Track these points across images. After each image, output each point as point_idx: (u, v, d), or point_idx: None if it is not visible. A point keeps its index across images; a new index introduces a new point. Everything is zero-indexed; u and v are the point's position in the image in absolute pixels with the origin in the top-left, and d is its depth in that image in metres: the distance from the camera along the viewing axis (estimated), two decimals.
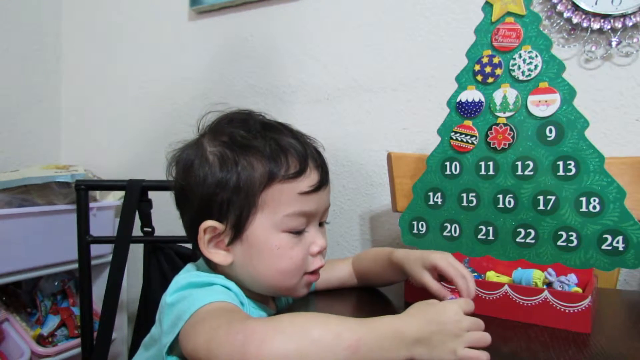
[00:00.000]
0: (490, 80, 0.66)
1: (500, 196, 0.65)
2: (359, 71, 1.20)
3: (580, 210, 0.59)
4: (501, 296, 0.60)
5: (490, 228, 0.66)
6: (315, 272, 0.60)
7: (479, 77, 0.67)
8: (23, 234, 1.17)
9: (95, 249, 0.95)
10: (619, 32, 0.94)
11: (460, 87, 0.69)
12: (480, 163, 0.67)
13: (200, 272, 0.57)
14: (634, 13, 0.92)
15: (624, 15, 0.93)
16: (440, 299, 0.55)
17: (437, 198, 0.70)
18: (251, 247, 0.55)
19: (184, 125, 1.43)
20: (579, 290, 0.60)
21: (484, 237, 0.67)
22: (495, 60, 0.65)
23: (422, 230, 0.72)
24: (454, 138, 0.69)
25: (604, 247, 0.58)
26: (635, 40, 0.93)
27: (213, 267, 0.59)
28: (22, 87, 1.54)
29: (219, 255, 0.56)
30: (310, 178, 0.56)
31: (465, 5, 1.08)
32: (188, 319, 0.45)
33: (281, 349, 0.37)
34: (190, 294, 0.49)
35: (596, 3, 0.94)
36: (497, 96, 0.65)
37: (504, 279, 0.66)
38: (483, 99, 0.67)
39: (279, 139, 0.56)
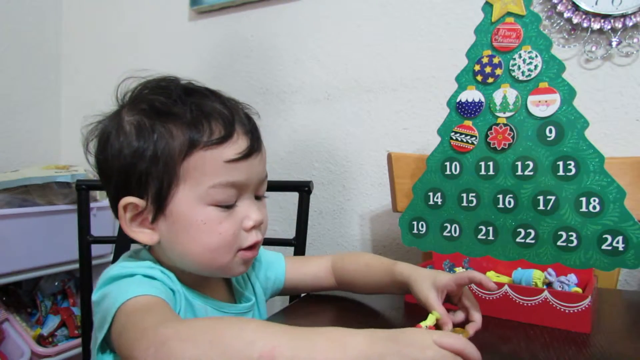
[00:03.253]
0: (490, 80, 0.66)
1: (500, 196, 0.65)
2: (359, 71, 1.20)
3: (580, 210, 0.59)
4: (501, 296, 0.60)
5: (490, 228, 0.66)
6: (251, 248, 0.54)
7: (479, 77, 0.67)
8: (23, 234, 1.17)
9: (95, 249, 0.95)
10: (619, 32, 0.94)
11: (460, 87, 0.69)
12: (480, 163, 0.67)
13: (126, 261, 0.54)
14: (634, 13, 0.92)
15: (624, 16, 0.93)
16: (441, 326, 0.52)
17: (437, 198, 0.70)
18: (176, 223, 0.50)
19: None
20: (579, 290, 0.60)
21: (484, 237, 0.67)
22: (495, 60, 0.65)
23: (422, 230, 0.72)
24: (454, 138, 0.69)
25: (604, 247, 0.58)
26: (635, 40, 0.93)
27: (153, 250, 0.56)
28: (22, 87, 1.54)
29: (144, 235, 0.52)
30: (238, 144, 0.51)
31: (465, 5, 1.08)
32: (110, 324, 0.43)
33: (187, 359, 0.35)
34: (109, 292, 0.47)
35: (596, 3, 0.94)
36: (497, 96, 0.65)
37: (504, 279, 0.66)
38: (483, 99, 0.67)
39: (202, 104, 0.51)
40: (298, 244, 0.90)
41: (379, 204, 1.18)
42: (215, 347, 0.35)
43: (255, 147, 0.53)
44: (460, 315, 0.55)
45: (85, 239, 0.92)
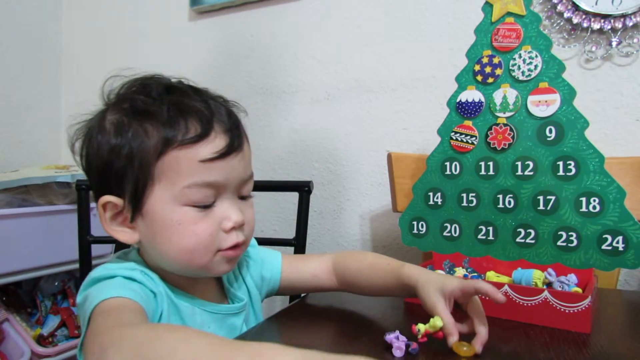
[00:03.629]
0: (490, 80, 0.66)
1: (500, 196, 0.65)
2: (359, 71, 1.20)
3: (580, 210, 0.59)
4: None
5: (490, 228, 0.66)
6: (234, 248, 0.53)
7: (479, 77, 0.67)
8: (23, 234, 1.17)
9: (95, 249, 0.95)
10: (619, 32, 0.94)
11: (460, 87, 0.69)
12: (480, 163, 0.67)
13: (111, 263, 0.53)
14: (634, 13, 0.92)
15: (624, 16, 0.93)
16: (446, 336, 0.49)
17: (437, 198, 0.70)
18: (152, 223, 0.50)
19: None
20: (579, 290, 0.60)
21: (484, 237, 0.67)
22: (495, 60, 0.65)
23: (422, 230, 0.72)
24: (454, 138, 0.69)
25: (604, 247, 0.58)
26: (635, 40, 0.93)
27: (138, 251, 0.57)
28: (22, 87, 1.54)
29: (124, 234, 0.52)
30: (215, 143, 0.49)
31: (465, 5, 1.08)
32: (87, 327, 0.44)
33: None
34: (90, 294, 0.47)
35: (596, 3, 0.94)
36: (497, 96, 0.65)
37: (504, 279, 0.66)
38: (483, 99, 0.67)
39: (181, 102, 0.50)
40: (298, 244, 0.90)
41: (379, 204, 1.18)
42: (138, 356, 0.35)
43: (234, 146, 0.51)
44: (466, 326, 0.51)
45: (85, 239, 0.92)
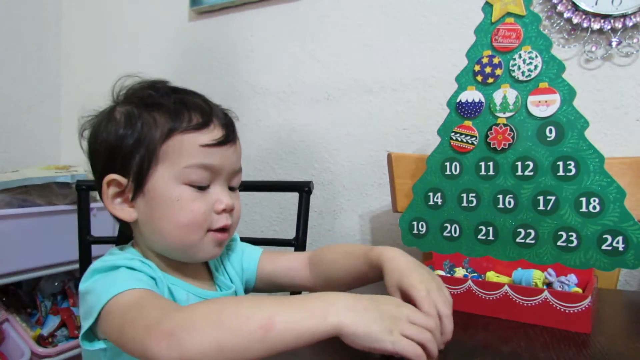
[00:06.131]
0: (490, 80, 0.66)
1: (500, 196, 0.65)
2: (359, 71, 1.20)
3: (580, 210, 0.59)
4: (501, 296, 0.60)
5: (490, 228, 0.66)
6: (222, 231, 0.57)
7: (479, 78, 0.67)
8: (23, 234, 1.17)
9: (95, 249, 0.96)
10: (619, 32, 0.94)
11: (460, 88, 0.69)
12: (480, 163, 0.67)
13: (111, 255, 0.56)
14: (634, 13, 0.92)
15: (624, 16, 0.93)
16: None
17: (437, 198, 0.70)
18: (152, 200, 0.55)
19: None
20: (579, 290, 0.60)
21: (484, 237, 0.67)
22: (495, 60, 0.65)
23: (422, 231, 0.72)
24: (454, 138, 0.69)
25: (604, 247, 0.58)
26: (635, 40, 0.93)
27: (135, 240, 0.60)
28: (22, 87, 1.54)
29: (124, 212, 0.56)
30: (214, 133, 0.56)
31: (465, 5, 1.08)
32: (98, 316, 0.46)
33: (199, 347, 0.38)
34: (95, 285, 0.49)
35: (596, 3, 0.94)
36: (497, 96, 0.65)
37: (504, 279, 0.66)
38: (483, 99, 0.67)
39: (185, 98, 0.57)
40: (298, 244, 0.90)
41: (379, 204, 1.18)
42: (218, 330, 0.39)
43: (229, 137, 0.57)
44: None
45: (85, 239, 0.93)
